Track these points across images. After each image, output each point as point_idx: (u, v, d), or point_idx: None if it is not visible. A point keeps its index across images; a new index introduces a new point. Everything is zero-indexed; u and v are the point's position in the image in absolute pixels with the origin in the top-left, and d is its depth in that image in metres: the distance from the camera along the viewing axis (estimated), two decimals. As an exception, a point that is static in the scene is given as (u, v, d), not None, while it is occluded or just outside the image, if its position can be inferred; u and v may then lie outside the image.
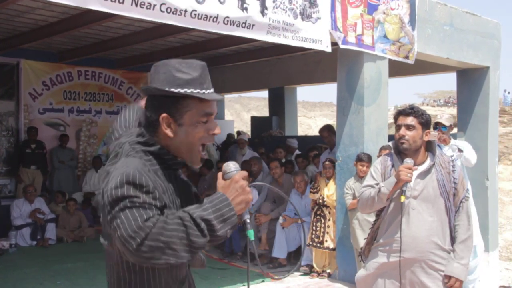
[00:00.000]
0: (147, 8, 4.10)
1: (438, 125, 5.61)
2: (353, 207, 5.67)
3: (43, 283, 5.85)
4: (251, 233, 1.74)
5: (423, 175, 3.28)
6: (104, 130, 10.06)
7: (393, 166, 3.39)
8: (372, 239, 3.50)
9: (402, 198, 3.14)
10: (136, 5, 4.03)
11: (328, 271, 6.22)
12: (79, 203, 8.70)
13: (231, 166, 1.71)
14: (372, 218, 5.64)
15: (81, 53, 8.82)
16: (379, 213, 3.44)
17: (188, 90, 1.66)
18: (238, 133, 10.73)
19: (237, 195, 1.64)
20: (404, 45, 6.29)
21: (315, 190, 6.35)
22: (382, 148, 5.72)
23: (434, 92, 59.34)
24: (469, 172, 7.88)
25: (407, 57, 6.40)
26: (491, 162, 7.99)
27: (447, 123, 5.47)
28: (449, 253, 3.26)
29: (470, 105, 8.07)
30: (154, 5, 4.11)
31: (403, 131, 3.26)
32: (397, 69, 7.09)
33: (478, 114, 7.98)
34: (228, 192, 1.64)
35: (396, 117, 3.37)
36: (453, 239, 3.28)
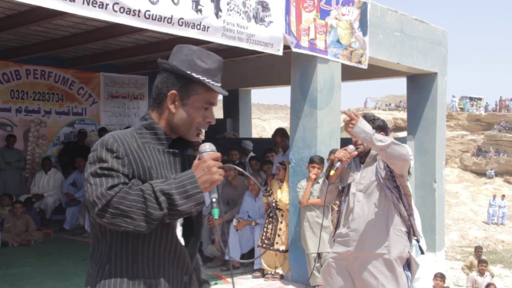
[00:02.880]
0: (99, 7, 4.01)
1: None
2: (305, 202, 5.76)
3: (-13, 290, 5.63)
4: (215, 212, 1.76)
5: (367, 168, 3.56)
6: (54, 130, 9.78)
7: (350, 167, 3.65)
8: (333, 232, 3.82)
9: (332, 172, 3.42)
10: (88, 3, 3.94)
11: (281, 272, 6.26)
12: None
13: (207, 147, 1.80)
14: (321, 220, 5.78)
15: (30, 51, 8.54)
16: (338, 208, 3.77)
17: (201, 78, 1.83)
18: None
19: (203, 174, 1.72)
20: (355, 50, 6.41)
21: (267, 193, 6.38)
22: (331, 152, 5.82)
23: (385, 96, 60.76)
24: (417, 175, 8.12)
25: (359, 62, 6.53)
26: (438, 165, 8.25)
27: None
28: (396, 235, 3.49)
29: (419, 109, 8.32)
30: (107, 4, 4.03)
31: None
32: (350, 73, 7.23)
33: (426, 118, 8.24)
34: (196, 171, 1.73)
35: None
36: (406, 225, 3.53)
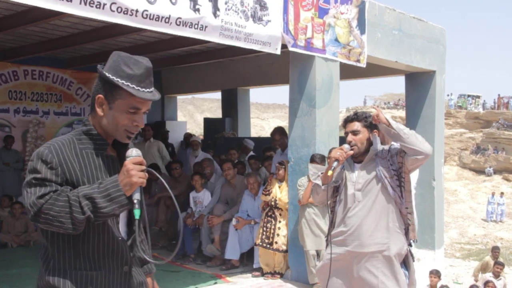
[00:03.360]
0: (96, 7, 4.00)
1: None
2: (305, 201, 5.78)
3: (-14, 291, 5.63)
4: (136, 212, 1.89)
5: (365, 168, 3.52)
6: (53, 131, 9.76)
7: (343, 167, 3.57)
8: (328, 232, 3.73)
9: (330, 172, 3.39)
10: (85, 3, 3.93)
11: (280, 271, 6.25)
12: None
13: (133, 152, 1.94)
14: (318, 218, 5.79)
15: (27, 52, 8.51)
16: (332, 208, 3.69)
17: (125, 83, 1.93)
18: (189, 134, 10.64)
19: (124, 178, 1.86)
20: (354, 49, 6.41)
21: (267, 192, 6.37)
22: (331, 151, 5.81)
23: (384, 95, 60.82)
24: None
25: (358, 61, 6.53)
26: (437, 163, 8.25)
27: None
28: (396, 232, 3.49)
29: (418, 107, 8.31)
30: (104, 4, 4.02)
31: (350, 137, 3.51)
32: (348, 71, 7.23)
33: (425, 116, 8.24)
34: (120, 175, 1.88)
35: (344, 126, 3.61)
36: (405, 223, 3.52)
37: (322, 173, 3.57)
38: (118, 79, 1.93)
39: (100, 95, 1.97)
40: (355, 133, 3.50)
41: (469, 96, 42.94)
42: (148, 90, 1.98)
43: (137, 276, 2.13)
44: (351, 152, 3.45)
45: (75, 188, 1.89)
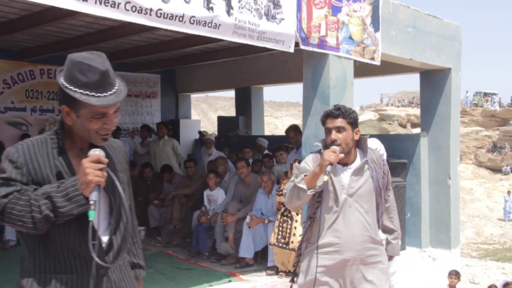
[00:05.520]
0: (111, 6, 4.04)
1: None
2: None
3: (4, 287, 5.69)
4: (91, 214, 1.82)
5: (357, 172, 3.23)
6: (68, 129, 9.83)
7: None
8: (307, 242, 3.36)
9: (325, 178, 3.04)
10: (100, 3, 3.96)
11: (294, 270, 6.25)
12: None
13: (96, 152, 1.89)
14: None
15: (44, 51, 8.62)
16: (312, 215, 3.32)
17: (84, 92, 1.86)
18: (200, 133, 10.66)
19: (80, 177, 1.83)
20: (368, 47, 6.38)
21: (280, 192, 6.35)
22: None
23: (398, 93, 60.60)
24: (432, 171, 8.06)
25: (372, 59, 6.49)
26: (453, 162, 8.17)
27: None
28: (382, 245, 3.35)
29: (433, 105, 8.25)
30: (119, 3, 4.06)
31: (334, 135, 3.16)
32: (362, 69, 7.18)
33: (440, 114, 8.17)
34: (78, 174, 1.86)
35: (324, 120, 3.27)
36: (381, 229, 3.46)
37: (305, 175, 3.18)
38: (76, 89, 1.86)
39: (64, 106, 1.92)
40: (340, 130, 3.16)
41: (485, 94, 42.51)
42: (108, 93, 1.91)
43: (119, 282, 2.03)
44: (342, 155, 3.11)
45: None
